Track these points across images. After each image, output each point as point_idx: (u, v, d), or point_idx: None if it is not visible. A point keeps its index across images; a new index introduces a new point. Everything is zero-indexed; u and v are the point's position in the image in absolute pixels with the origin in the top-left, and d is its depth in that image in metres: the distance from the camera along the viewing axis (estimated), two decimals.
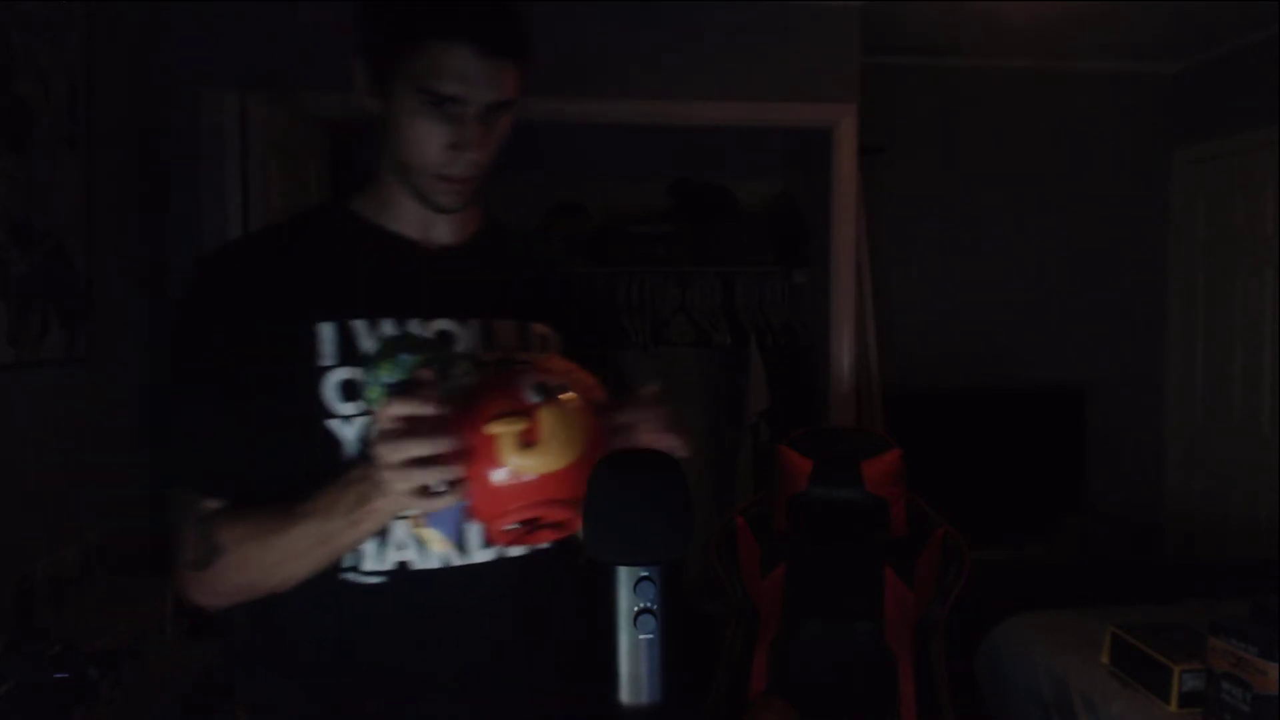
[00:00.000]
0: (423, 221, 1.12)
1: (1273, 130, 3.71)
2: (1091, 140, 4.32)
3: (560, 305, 1.19)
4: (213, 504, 1.02)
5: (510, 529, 0.93)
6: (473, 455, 0.88)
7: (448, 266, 1.13)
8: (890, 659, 2.40)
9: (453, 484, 0.89)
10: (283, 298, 1.05)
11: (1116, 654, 2.22)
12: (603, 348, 1.27)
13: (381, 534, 1.02)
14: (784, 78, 3.41)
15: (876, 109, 3.58)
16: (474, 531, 1.05)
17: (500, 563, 1.07)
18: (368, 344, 1.04)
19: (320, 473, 0.97)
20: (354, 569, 1.03)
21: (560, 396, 0.90)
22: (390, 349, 1.03)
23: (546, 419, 0.88)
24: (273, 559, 0.98)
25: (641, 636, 0.74)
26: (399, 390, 0.96)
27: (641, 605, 0.74)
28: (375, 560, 1.03)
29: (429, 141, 1.03)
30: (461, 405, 0.90)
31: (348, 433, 1.02)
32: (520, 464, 0.87)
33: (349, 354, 1.03)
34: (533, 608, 1.12)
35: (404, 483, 0.87)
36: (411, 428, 0.87)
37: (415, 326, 1.06)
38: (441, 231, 1.13)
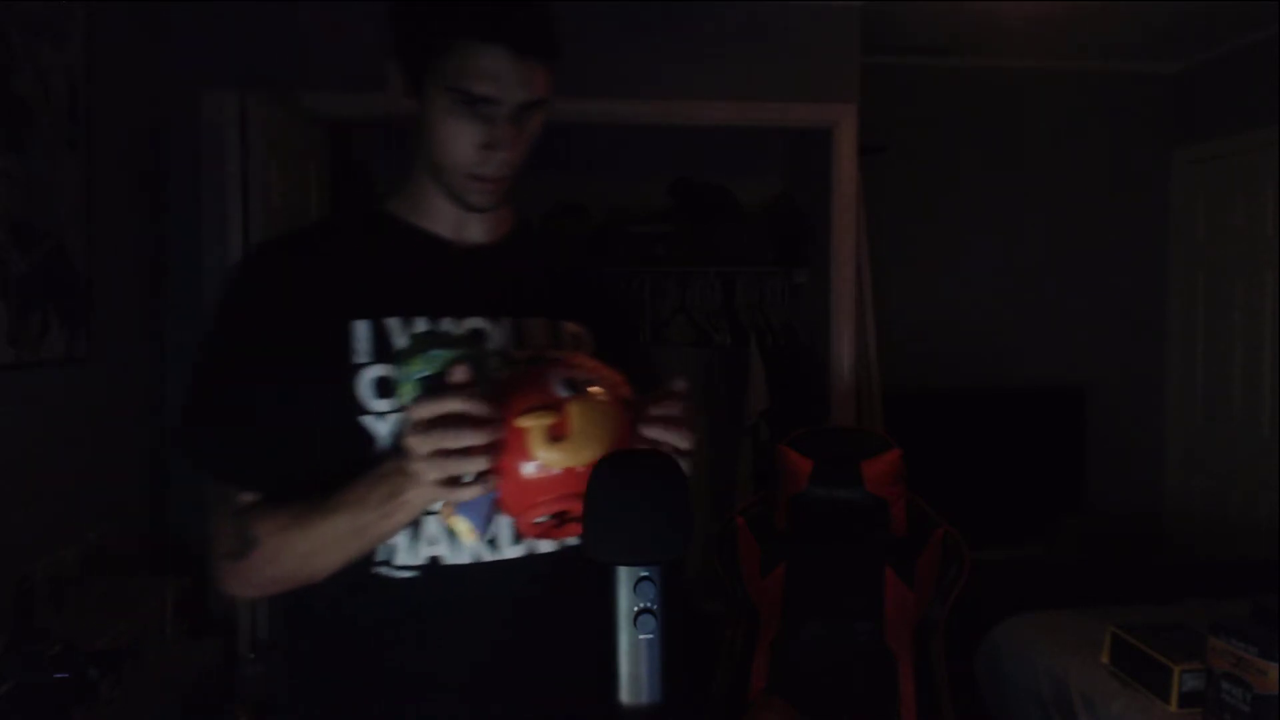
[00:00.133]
0: (456, 221, 1.13)
1: (1273, 130, 3.71)
2: (1091, 140, 4.32)
3: (591, 303, 1.20)
4: (248, 497, 1.04)
5: (539, 522, 0.94)
6: (502, 448, 0.90)
7: (480, 265, 1.14)
8: (890, 659, 2.40)
9: (482, 474, 0.90)
10: (319, 296, 1.07)
11: (1116, 654, 2.22)
12: (632, 344, 1.28)
13: (414, 529, 1.03)
14: (784, 78, 3.42)
15: (876, 109, 3.59)
16: (504, 527, 1.06)
17: (530, 559, 1.08)
18: (401, 341, 1.05)
19: (354, 468, 0.98)
20: (386, 563, 1.05)
21: (588, 391, 0.92)
22: (422, 345, 1.05)
23: (575, 413, 0.89)
24: (306, 551, 1.00)
25: (641, 636, 0.75)
26: (431, 385, 0.98)
27: (641, 605, 0.75)
28: (407, 555, 1.05)
29: (462, 141, 1.05)
30: (491, 400, 0.91)
31: (381, 429, 1.03)
32: (549, 457, 0.89)
33: (383, 351, 1.04)
34: (563, 604, 1.12)
35: (435, 473, 0.89)
36: (443, 420, 0.89)
37: (448, 324, 1.07)
38: (474, 230, 1.15)
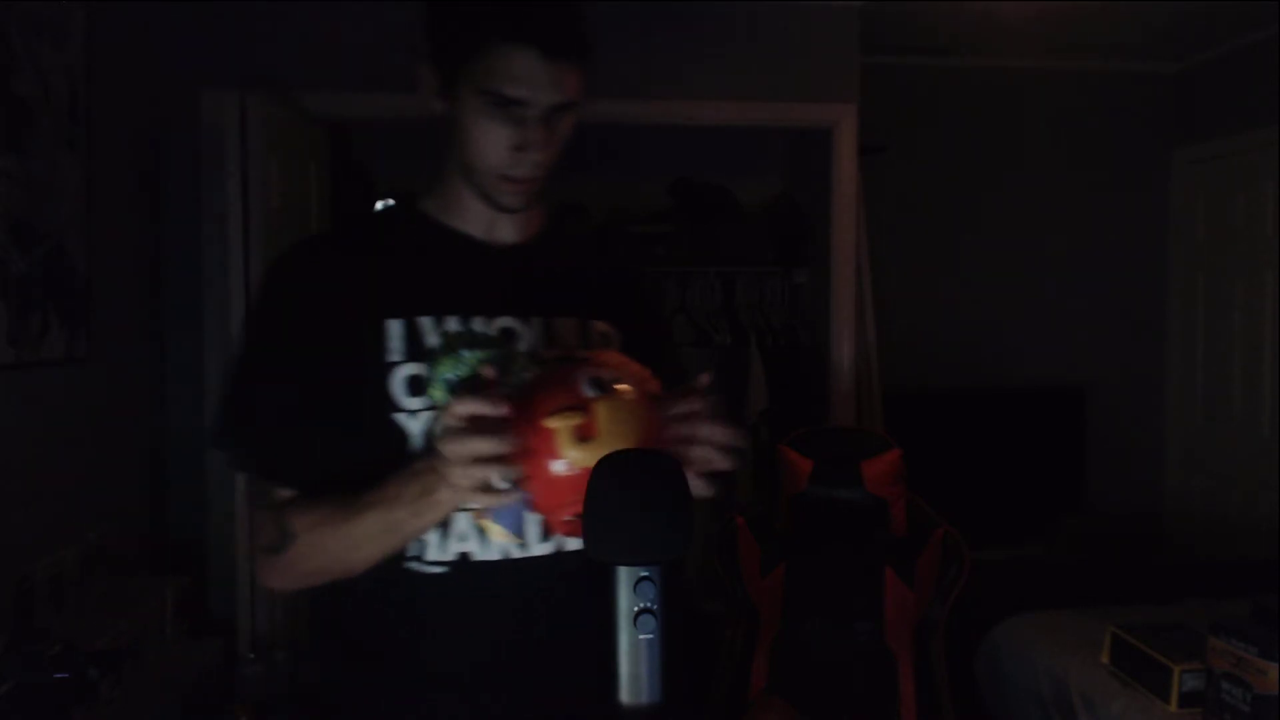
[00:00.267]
0: (487, 221, 1.14)
1: (1273, 130, 3.71)
2: (1091, 140, 4.32)
3: (621, 303, 1.22)
4: (286, 492, 1.07)
5: (569, 520, 0.94)
6: (531, 449, 0.91)
7: (511, 265, 1.15)
8: (890, 659, 2.40)
9: (514, 481, 0.92)
10: (353, 295, 1.08)
11: (1116, 654, 2.22)
12: (662, 343, 1.29)
13: (444, 525, 1.05)
14: (784, 78, 3.42)
15: (876, 109, 3.59)
16: (534, 524, 1.07)
17: (559, 555, 1.09)
18: (433, 340, 1.07)
19: (387, 465, 1.00)
20: (418, 559, 1.06)
21: (616, 389, 0.93)
22: (452, 345, 1.06)
23: (602, 412, 0.90)
24: (341, 545, 1.02)
25: (641, 636, 0.75)
26: (461, 386, 0.99)
27: (641, 605, 0.75)
28: (438, 550, 1.06)
29: (493, 143, 1.06)
30: (520, 400, 0.93)
31: (414, 426, 1.04)
32: (577, 456, 0.89)
33: (415, 350, 1.06)
34: (591, 601, 1.12)
35: (467, 478, 0.90)
36: (474, 424, 0.90)
37: (479, 324, 1.09)
38: (506, 231, 1.16)
